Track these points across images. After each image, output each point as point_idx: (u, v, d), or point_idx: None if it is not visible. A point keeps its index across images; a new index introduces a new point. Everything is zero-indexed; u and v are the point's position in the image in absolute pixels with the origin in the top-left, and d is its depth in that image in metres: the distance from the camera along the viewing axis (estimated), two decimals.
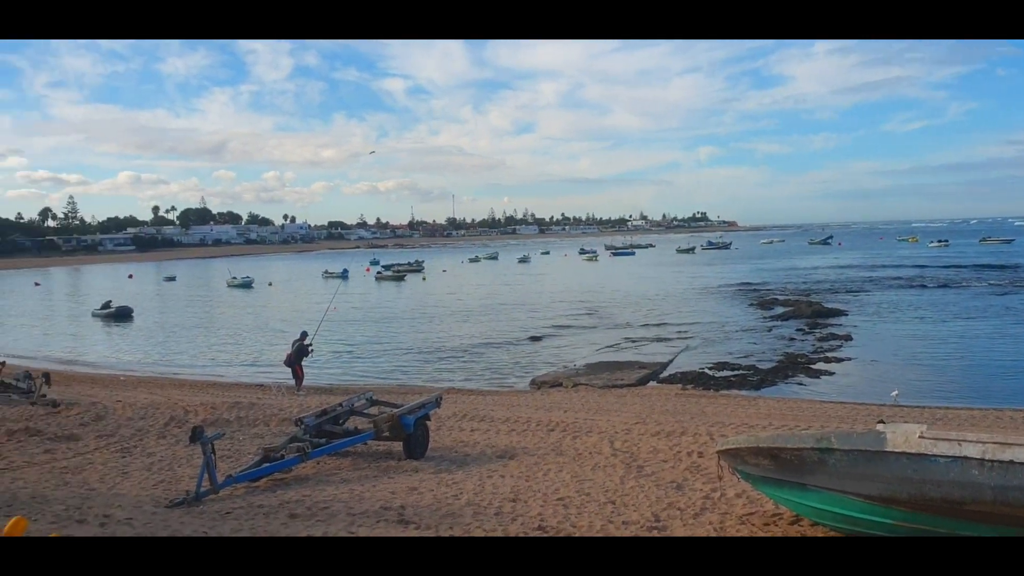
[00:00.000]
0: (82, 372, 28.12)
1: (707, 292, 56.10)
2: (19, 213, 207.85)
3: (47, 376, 18.56)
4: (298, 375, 22.07)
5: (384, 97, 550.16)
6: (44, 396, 17.50)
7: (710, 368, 25.57)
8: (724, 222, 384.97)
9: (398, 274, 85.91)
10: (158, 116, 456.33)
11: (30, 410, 16.64)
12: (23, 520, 5.69)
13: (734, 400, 20.40)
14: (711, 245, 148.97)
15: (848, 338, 30.90)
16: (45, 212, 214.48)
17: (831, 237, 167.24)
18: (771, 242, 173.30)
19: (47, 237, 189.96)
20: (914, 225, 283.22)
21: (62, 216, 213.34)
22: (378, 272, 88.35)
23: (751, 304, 46.10)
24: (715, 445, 11.33)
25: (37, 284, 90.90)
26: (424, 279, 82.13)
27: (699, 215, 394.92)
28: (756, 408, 18.50)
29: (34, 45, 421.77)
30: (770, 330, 34.62)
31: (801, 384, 23.12)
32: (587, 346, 32.12)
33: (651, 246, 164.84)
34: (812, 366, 25.41)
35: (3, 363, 21.28)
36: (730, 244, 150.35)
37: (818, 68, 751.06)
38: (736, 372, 24.91)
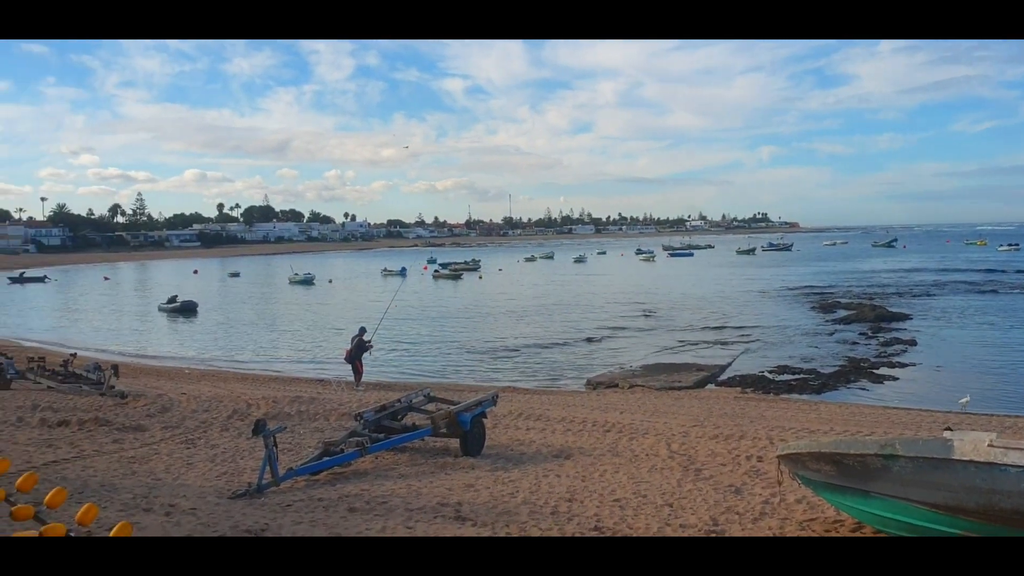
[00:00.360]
0: (148, 364, 28.92)
1: (767, 294, 55.26)
2: (90, 209, 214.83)
3: (116, 368, 19.12)
4: (358, 371, 22.40)
5: (443, 97, 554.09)
6: (113, 387, 18.02)
7: (770, 371, 25.19)
8: (785, 223, 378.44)
9: (455, 272, 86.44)
10: (223, 115, 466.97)
11: (99, 401, 17.19)
12: (94, 507, 5.89)
13: (794, 404, 20.06)
14: (772, 246, 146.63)
15: (913, 343, 30.14)
16: (115, 208, 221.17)
17: (896, 239, 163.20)
18: (834, 244, 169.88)
19: (116, 233, 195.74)
20: (982, 228, 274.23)
21: (131, 212, 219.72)
22: (435, 271, 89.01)
23: (812, 307, 45.28)
24: (775, 450, 11.18)
25: (106, 279, 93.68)
26: (480, 278, 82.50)
27: (760, 216, 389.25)
28: (817, 413, 18.18)
29: (106, 46, 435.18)
30: (832, 334, 33.94)
31: (864, 389, 22.64)
32: (643, 347, 31.93)
33: (710, 247, 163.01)
34: (875, 371, 24.85)
35: (74, 355, 22.01)
36: (791, 245, 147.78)
37: (883, 67, 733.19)
38: (796, 376, 24.50)
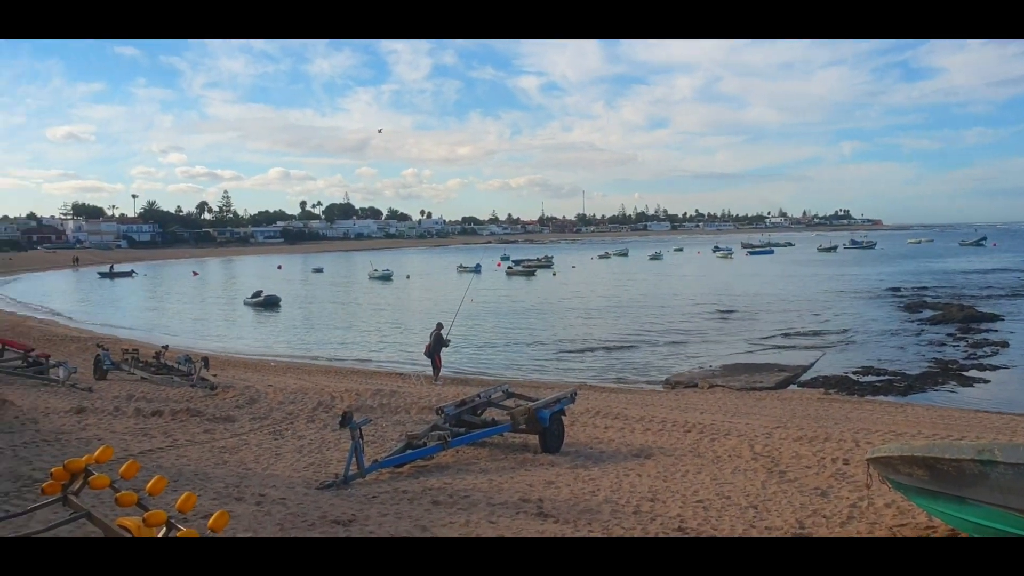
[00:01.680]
0: (235, 357, 29.81)
1: (850, 293, 53.80)
2: (179, 206, 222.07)
3: (206, 360, 19.76)
4: (436, 365, 22.69)
5: (518, 94, 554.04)
6: (203, 379, 18.66)
7: (854, 372, 24.56)
8: (868, 220, 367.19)
9: (528, 269, 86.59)
10: (306, 115, 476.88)
11: (190, 392, 17.83)
12: (193, 496, 6.13)
13: (880, 407, 19.51)
14: (854, 244, 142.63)
15: (1004, 345, 28.97)
16: (202, 205, 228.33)
17: (985, 238, 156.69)
18: (919, 242, 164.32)
19: (203, 229, 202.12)
20: None
21: (217, 209, 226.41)
22: (509, 267, 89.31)
23: (898, 307, 43.91)
24: (861, 452, 10.94)
25: (195, 273, 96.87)
26: (554, 274, 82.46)
27: (842, 212, 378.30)
28: (904, 415, 17.66)
29: (193, 47, 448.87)
30: (918, 334, 32.86)
31: (953, 392, 21.88)
32: (722, 347, 31.47)
33: (790, 244, 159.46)
34: (964, 373, 23.99)
35: (166, 347, 22.85)
36: (875, 244, 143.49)
37: (972, 59, 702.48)
38: (882, 377, 23.83)
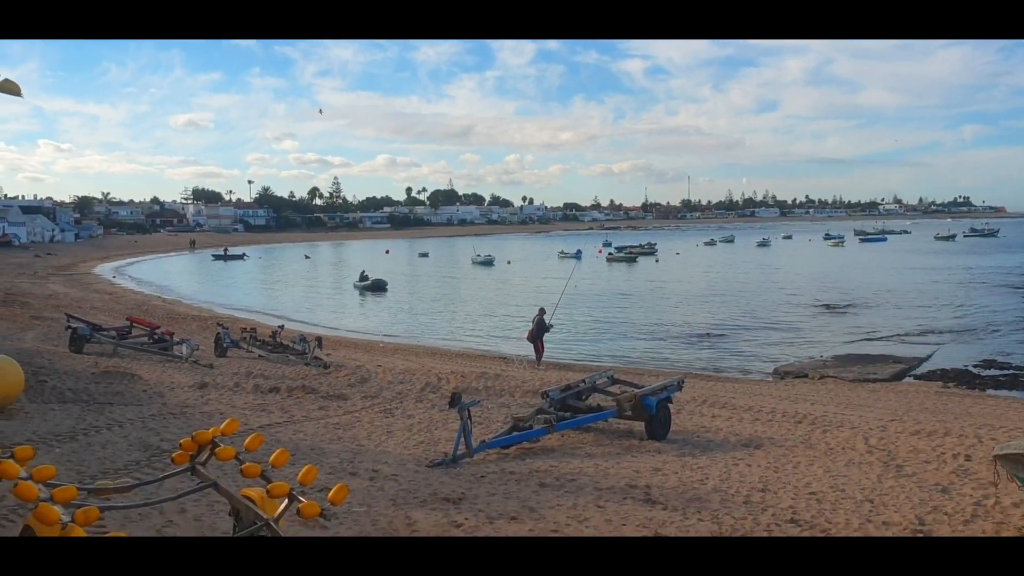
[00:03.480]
0: (346, 337, 30.69)
1: (970, 283, 51.26)
2: (291, 192, 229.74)
3: (320, 340, 20.45)
4: (538, 350, 22.79)
5: (623, 78, 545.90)
6: (317, 358, 19.30)
7: (975, 365, 23.43)
8: (990, 207, 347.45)
9: (630, 256, 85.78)
10: (411, 102, 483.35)
11: (305, 370, 18.49)
12: (314, 469, 6.37)
13: (1004, 402, 18.56)
14: (974, 232, 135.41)
15: None
16: (313, 191, 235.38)
17: None
18: None
19: (314, 215, 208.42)
20: None
21: (327, 195, 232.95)
22: (609, 254, 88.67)
23: (1022, 297, 41.60)
24: (986, 448, 10.46)
25: (307, 257, 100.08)
26: (657, 261, 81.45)
27: (961, 199, 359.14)
28: None
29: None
30: None
31: None
32: (833, 337, 30.49)
33: (906, 232, 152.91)
34: None
35: (282, 327, 23.72)
36: (997, 231, 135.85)
37: None
38: (1006, 371, 22.66)
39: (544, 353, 23.15)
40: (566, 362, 24.81)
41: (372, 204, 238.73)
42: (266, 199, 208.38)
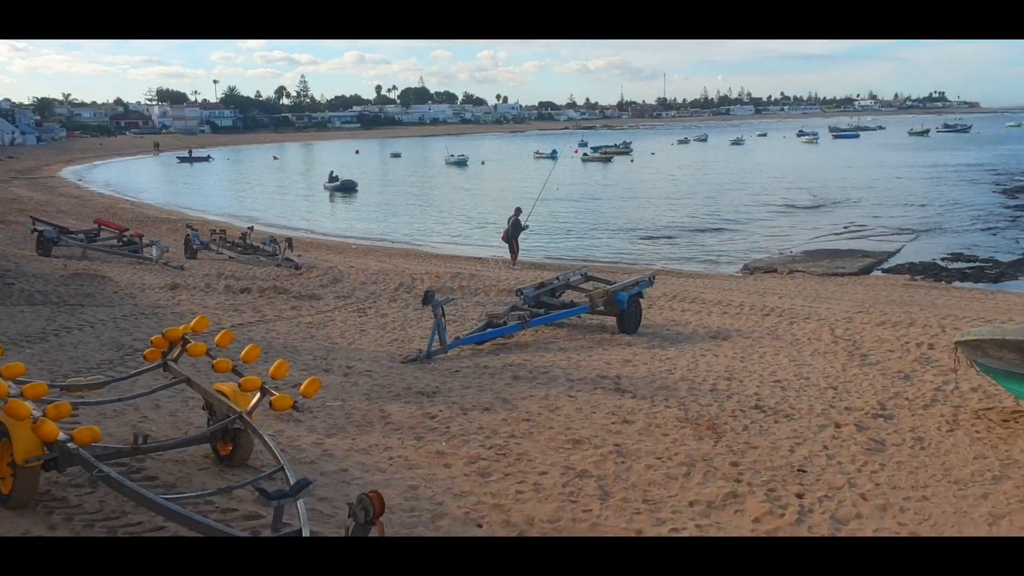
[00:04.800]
0: (317, 239, 30.50)
1: (941, 178, 51.60)
2: (258, 91, 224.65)
3: (290, 241, 20.30)
4: (514, 250, 22.81)
5: None
6: (288, 259, 19.21)
7: (942, 259, 23.81)
8: (965, 103, 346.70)
9: (605, 156, 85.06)
10: None
11: (276, 271, 18.41)
12: (286, 363, 6.41)
13: (968, 293, 18.96)
14: (948, 128, 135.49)
15: None
16: (280, 91, 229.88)
17: None
18: (1018, 125, 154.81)
19: (282, 114, 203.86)
20: None
21: (295, 95, 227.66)
22: (585, 154, 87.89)
23: (992, 192, 42.06)
24: (948, 337, 10.70)
25: (275, 158, 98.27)
26: (632, 161, 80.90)
27: (936, 95, 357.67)
28: (994, 302, 17.11)
29: None
30: (1013, 220, 31.53)
31: None
32: (804, 232, 30.76)
33: (880, 128, 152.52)
34: None
35: (251, 228, 23.50)
36: (970, 127, 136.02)
37: None
38: (972, 264, 23.07)
39: (519, 253, 23.18)
40: (541, 261, 24.88)
41: (341, 103, 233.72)
42: (232, 99, 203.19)
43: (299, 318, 13.20)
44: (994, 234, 28.44)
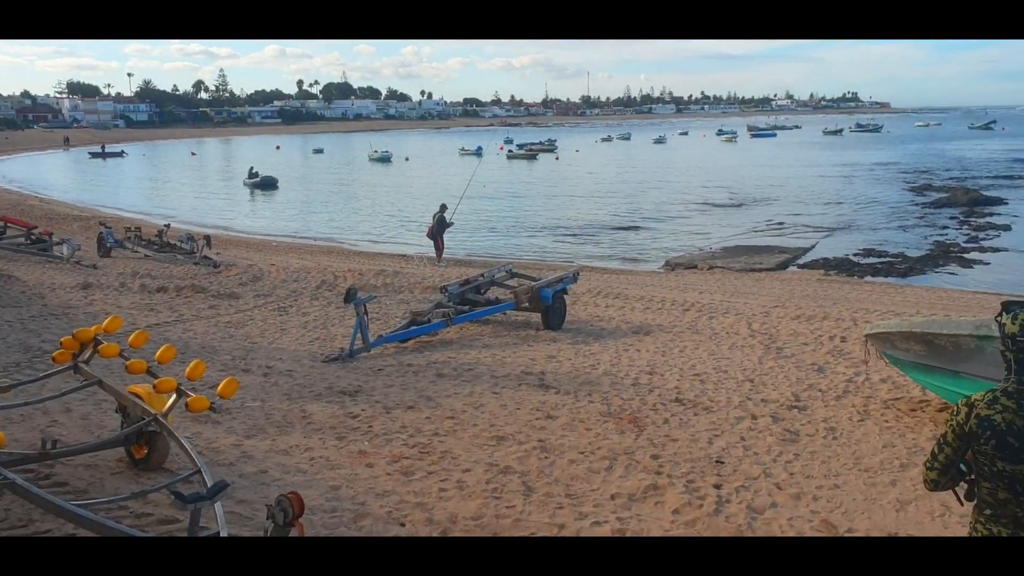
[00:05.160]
0: (237, 236, 29.84)
1: (854, 176, 53.37)
2: (175, 85, 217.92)
3: (208, 239, 19.81)
4: (439, 247, 22.71)
5: None
6: (206, 257, 18.74)
7: (855, 254, 24.63)
8: (876, 103, 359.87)
9: (531, 153, 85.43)
10: None
11: (194, 269, 17.95)
12: (202, 364, 6.26)
13: (879, 287, 19.66)
14: (860, 127, 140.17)
15: (1007, 228, 28.92)
16: (198, 85, 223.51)
17: (994, 121, 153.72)
18: (927, 125, 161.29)
19: (200, 109, 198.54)
20: None
21: (213, 89, 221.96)
22: (509, 151, 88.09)
23: (901, 190, 43.66)
24: (860, 330, 11.08)
25: (194, 154, 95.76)
26: (557, 158, 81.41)
27: (850, 95, 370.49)
28: (903, 296, 17.81)
29: None
30: (922, 217, 32.79)
31: (952, 274, 21.98)
32: (723, 229, 31.44)
33: (797, 127, 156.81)
34: (966, 255, 24.06)
35: (168, 225, 22.85)
36: (881, 127, 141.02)
37: None
38: (883, 259, 23.92)
39: (444, 250, 23.10)
40: (466, 258, 24.85)
41: (262, 98, 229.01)
42: (148, 93, 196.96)
43: (218, 317, 12.91)
44: (904, 230, 29.55)
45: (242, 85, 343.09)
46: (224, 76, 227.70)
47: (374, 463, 6.54)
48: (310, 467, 6.45)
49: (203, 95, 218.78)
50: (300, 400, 8.28)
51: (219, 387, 5.89)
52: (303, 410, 7.91)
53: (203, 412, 5.93)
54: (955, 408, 3.30)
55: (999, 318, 3.30)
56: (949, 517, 5.74)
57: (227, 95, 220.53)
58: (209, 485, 4.69)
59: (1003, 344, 3.27)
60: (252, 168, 54.46)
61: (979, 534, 3.24)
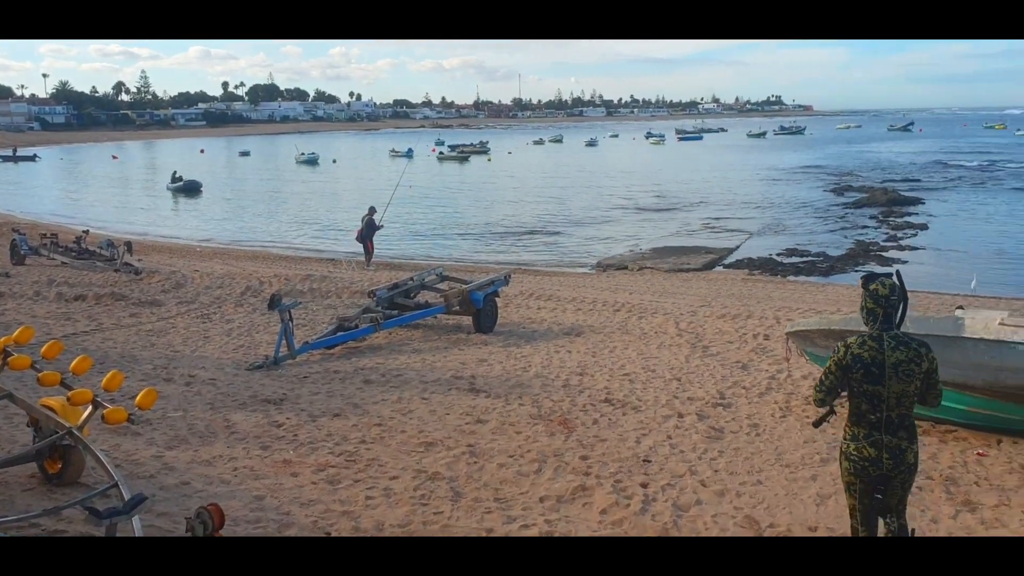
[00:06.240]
0: (159, 242, 29.07)
1: (777, 178, 54.72)
2: (94, 87, 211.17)
3: (129, 245, 19.21)
4: (368, 250, 22.48)
5: None
6: (127, 264, 18.18)
7: (778, 254, 25.23)
8: (800, 106, 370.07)
9: (463, 155, 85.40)
10: None
11: (114, 277, 17.40)
12: (119, 374, 6.06)
13: (802, 286, 20.19)
14: (783, 130, 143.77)
15: (924, 227, 30.03)
16: (119, 86, 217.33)
17: (912, 123, 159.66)
18: (847, 127, 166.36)
19: (121, 111, 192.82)
20: (1008, 112, 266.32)
21: (135, 90, 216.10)
22: (441, 153, 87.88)
23: (823, 191, 44.94)
24: (782, 328, 11.35)
25: (115, 158, 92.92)
26: (489, 160, 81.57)
27: (774, 99, 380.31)
28: (824, 294, 18.31)
29: None
30: (842, 217, 33.79)
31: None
32: (653, 230, 31.91)
33: (723, 130, 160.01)
34: (884, 254, 24.87)
35: (87, 232, 22.12)
36: (804, 129, 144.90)
37: None
38: (805, 259, 24.56)
39: (374, 253, 22.88)
40: (397, 261, 24.66)
41: (185, 100, 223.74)
42: (65, 95, 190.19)
43: (139, 326, 12.56)
44: (826, 231, 30.40)
45: (165, 87, 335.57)
46: (146, 77, 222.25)
47: (299, 472, 6.43)
48: (233, 477, 6.31)
49: (124, 97, 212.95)
50: (224, 409, 8.10)
51: (138, 397, 5.71)
52: (227, 419, 7.74)
53: (121, 424, 5.75)
54: (836, 348, 4.47)
55: (870, 286, 4.46)
56: None
57: (149, 97, 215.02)
58: (127, 499, 4.55)
59: (872, 303, 4.41)
60: (175, 172, 53.11)
61: (847, 434, 4.43)
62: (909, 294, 17.73)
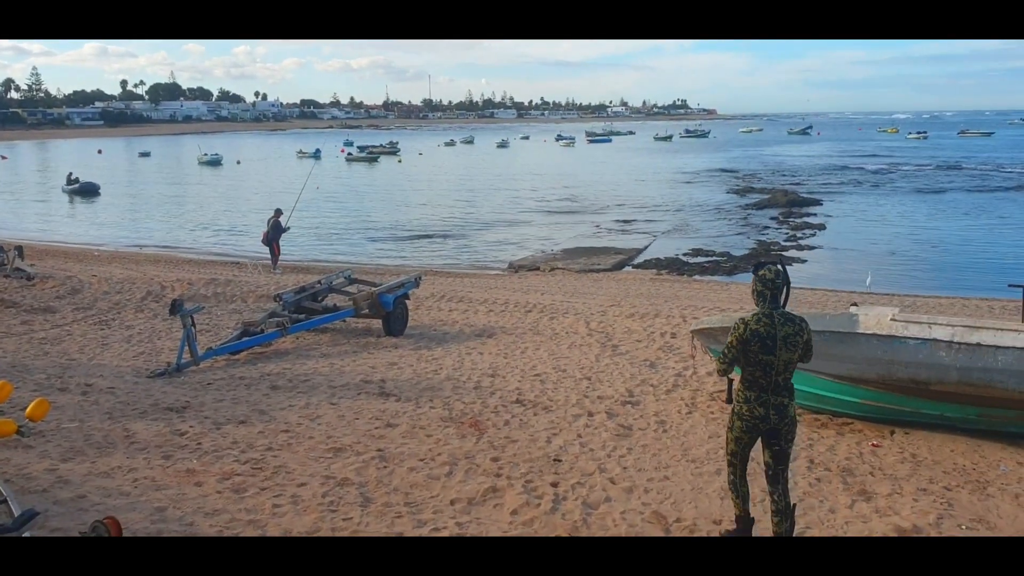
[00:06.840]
0: (54, 246, 27.84)
1: (682, 180, 56.00)
2: None
3: (20, 249, 18.32)
4: (275, 253, 22.02)
5: None
6: (18, 269, 17.33)
7: (684, 254, 25.83)
8: (704, 110, 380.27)
9: (372, 156, 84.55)
10: None
11: (4, 283, 16.54)
12: (8, 385, 5.76)
13: (707, 285, 20.71)
14: (689, 133, 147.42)
15: (822, 227, 31.20)
16: (8, 83, 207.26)
17: (810, 127, 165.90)
18: (750, 131, 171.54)
19: (11, 110, 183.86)
20: (895, 116, 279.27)
21: (25, 88, 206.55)
22: (349, 154, 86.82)
23: (726, 192, 46.21)
24: (688, 326, 11.62)
25: (4, 158, 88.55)
26: (399, 161, 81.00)
27: (679, 103, 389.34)
28: (728, 293, 18.81)
29: None
30: (745, 218, 34.82)
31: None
32: (563, 231, 32.23)
33: (631, 133, 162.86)
34: (785, 253, 25.72)
35: None
36: (708, 132, 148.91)
37: None
38: (710, 258, 25.20)
39: (280, 256, 22.41)
40: (304, 264, 24.24)
41: (81, 99, 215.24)
42: None
43: (31, 333, 11.98)
44: (729, 231, 31.28)
45: (59, 85, 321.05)
46: (38, 75, 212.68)
47: (203, 481, 6.24)
48: (134, 489, 6.08)
49: (14, 95, 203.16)
50: (123, 419, 7.80)
51: (28, 409, 5.43)
52: (126, 429, 7.45)
53: (10, 437, 5.46)
54: (736, 325, 5.10)
55: (758, 272, 5.18)
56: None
57: (42, 95, 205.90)
58: (16, 515, 4.33)
59: (762, 286, 5.10)
60: (71, 173, 50.95)
61: (739, 398, 5.12)
62: (808, 292, 18.30)
